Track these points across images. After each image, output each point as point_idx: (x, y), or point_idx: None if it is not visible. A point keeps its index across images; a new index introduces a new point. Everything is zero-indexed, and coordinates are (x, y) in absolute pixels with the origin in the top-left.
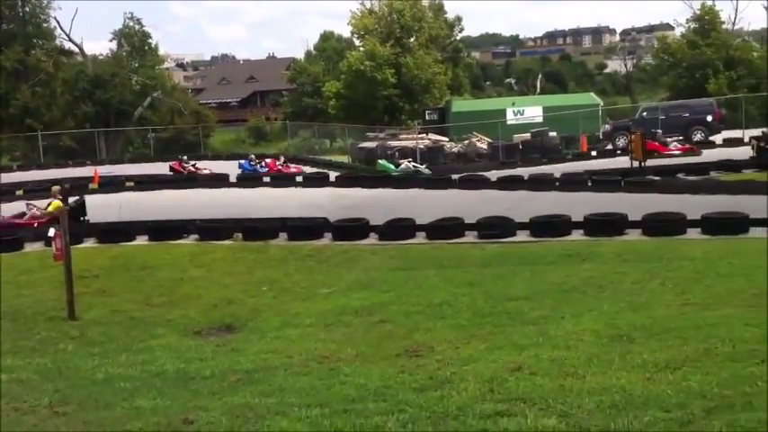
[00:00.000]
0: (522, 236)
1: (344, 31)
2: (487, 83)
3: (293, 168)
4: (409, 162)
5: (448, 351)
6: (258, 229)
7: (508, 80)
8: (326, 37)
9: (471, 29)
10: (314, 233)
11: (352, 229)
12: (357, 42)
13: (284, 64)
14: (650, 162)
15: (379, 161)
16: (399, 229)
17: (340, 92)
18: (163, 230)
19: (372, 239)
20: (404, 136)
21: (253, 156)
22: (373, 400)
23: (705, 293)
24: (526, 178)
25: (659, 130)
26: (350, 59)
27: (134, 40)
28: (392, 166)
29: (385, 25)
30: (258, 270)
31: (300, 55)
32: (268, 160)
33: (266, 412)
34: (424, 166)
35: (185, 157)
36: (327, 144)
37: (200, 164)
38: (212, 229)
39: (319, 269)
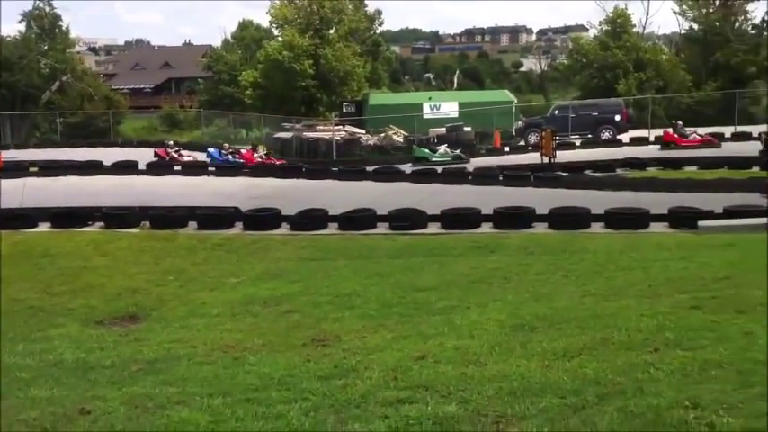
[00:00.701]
0: (433, 228)
1: (263, 20)
2: (406, 77)
3: (276, 161)
4: (447, 148)
5: (354, 340)
6: (167, 218)
7: (427, 75)
8: (245, 25)
9: (392, 23)
10: (224, 222)
11: (263, 218)
12: (276, 32)
13: (201, 51)
14: (574, 158)
15: (415, 147)
16: (311, 219)
17: (257, 81)
18: (67, 217)
19: (284, 230)
20: (320, 127)
21: (226, 145)
22: (277, 388)
23: (605, 285)
24: (440, 171)
25: (680, 122)
26: (268, 49)
27: (44, 22)
28: (428, 152)
29: (304, 16)
30: (165, 259)
31: (218, 43)
32: (243, 150)
33: (167, 402)
34: (459, 150)
35: (171, 142)
36: (244, 134)
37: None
38: (118, 217)
39: (228, 259)
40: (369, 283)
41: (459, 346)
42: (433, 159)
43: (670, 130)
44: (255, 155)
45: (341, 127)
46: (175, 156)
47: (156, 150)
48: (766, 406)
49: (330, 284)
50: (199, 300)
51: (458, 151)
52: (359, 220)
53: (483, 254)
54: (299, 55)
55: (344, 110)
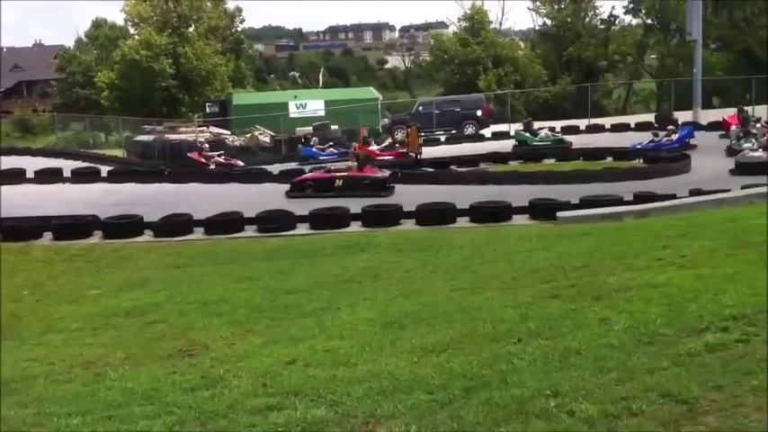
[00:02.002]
0: (303, 229)
1: (118, 18)
2: (271, 76)
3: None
4: (549, 131)
5: (223, 348)
6: (19, 229)
7: (292, 73)
8: (98, 24)
9: (254, 20)
10: (82, 232)
11: (124, 226)
12: (132, 30)
13: (52, 52)
14: (437, 154)
15: (518, 130)
16: (175, 225)
17: (114, 82)
18: None
19: (147, 237)
20: (183, 129)
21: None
22: (140, 404)
23: (471, 278)
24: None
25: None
26: (124, 48)
27: None
28: (531, 136)
29: (161, 13)
30: (19, 273)
31: (71, 43)
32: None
33: (22, 424)
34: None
35: (207, 145)
36: (102, 137)
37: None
38: None
39: (88, 270)
40: (237, 289)
41: (329, 347)
42: (534, 144)
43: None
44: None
45: (205, 128)
46: (222, 161)
47: (189, 154)
48: (621, 391)
49: (197, 292)
50: (57, 314)
51: (559, 135)
52: (225, 223)
53: (353, 253)
54: (158, 54)
55: (208, 110)
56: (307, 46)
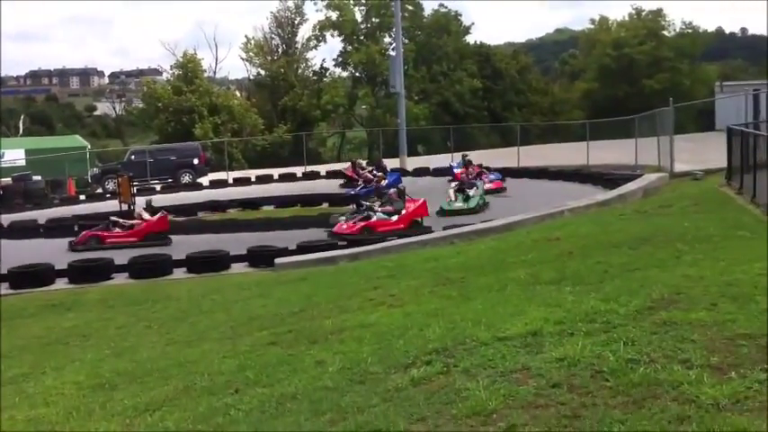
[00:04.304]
0: (2, 289)
1: None
2: None
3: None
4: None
5: None
6: None
7: None
8: None
9: None
10: None
11: None
12: None
13: None
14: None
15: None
16: None
17: None
18: None
19: None
20: None
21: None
22: None
23: (188, 331)
24: (6, 226)
25: None
26: None
27: None
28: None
29: None
30: None
31: None
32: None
33: None
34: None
35: (363, 162)
36: None
37: None
38: None
39: None
40: None
41: (32, 416)
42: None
43: None
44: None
45: None
46: (370, 176)
47: (344, 170)
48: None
49: None
50: None
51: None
52: None
53: (59, 312)
54: None
55: None
56: (6, 91)
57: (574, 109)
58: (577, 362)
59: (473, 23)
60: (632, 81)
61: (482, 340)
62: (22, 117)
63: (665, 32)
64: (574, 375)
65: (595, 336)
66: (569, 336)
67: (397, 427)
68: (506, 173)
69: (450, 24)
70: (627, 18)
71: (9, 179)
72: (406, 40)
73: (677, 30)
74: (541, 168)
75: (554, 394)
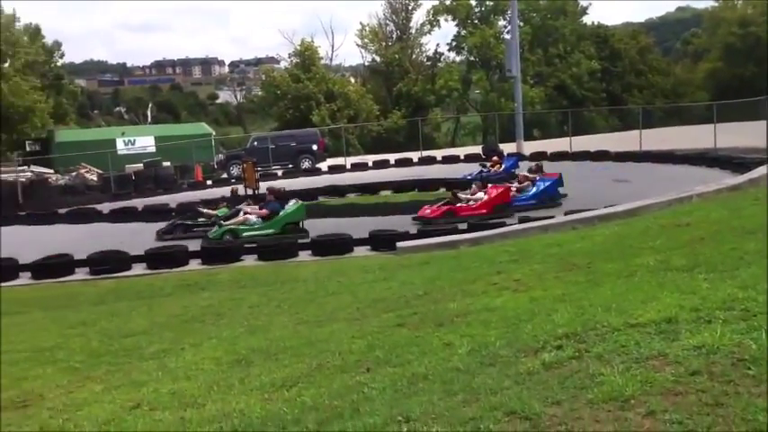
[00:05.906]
0: (139, 269)
1: None
2: (95, 111)
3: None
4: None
5: (61, 397)
6: None
7: (118, 108)
8: None
9: (73, 55)
10: None
11: None
12: None
13: None
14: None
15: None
16: None
17: None
18: None
19: None
20: (3, 169)
21: None
22: None
23: (317, 311)
24: (140, 209)
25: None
26: None
27: None
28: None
29: None
30: None
31: None
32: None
33: None
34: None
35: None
36: None
37: None
38: None
39: None
40: (71, 334)
41: (175, 389)
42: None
43: None
44: None
45: (26, 167)
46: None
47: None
48: (468, 412)
49: (27, 339)
50: None
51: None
52: (54, 266)
53: (193, 291)
54: None
55: (28, 149)
56: (132, 81)
57: (697, 90)
58: (717, 350)
59: (590, 4)
60: (759, 61)
61: (614, 326)
62: (149, 105)
63: None
64: (714, 363)
65: (734, 323)
66: (706, 323)
67: (532, 410)
68: (628, 157)
69: (566, 5)
70: None
71: (141, 165)
72: (522, 23)
73: None
74: (666, 153)
75: (694, 382)
